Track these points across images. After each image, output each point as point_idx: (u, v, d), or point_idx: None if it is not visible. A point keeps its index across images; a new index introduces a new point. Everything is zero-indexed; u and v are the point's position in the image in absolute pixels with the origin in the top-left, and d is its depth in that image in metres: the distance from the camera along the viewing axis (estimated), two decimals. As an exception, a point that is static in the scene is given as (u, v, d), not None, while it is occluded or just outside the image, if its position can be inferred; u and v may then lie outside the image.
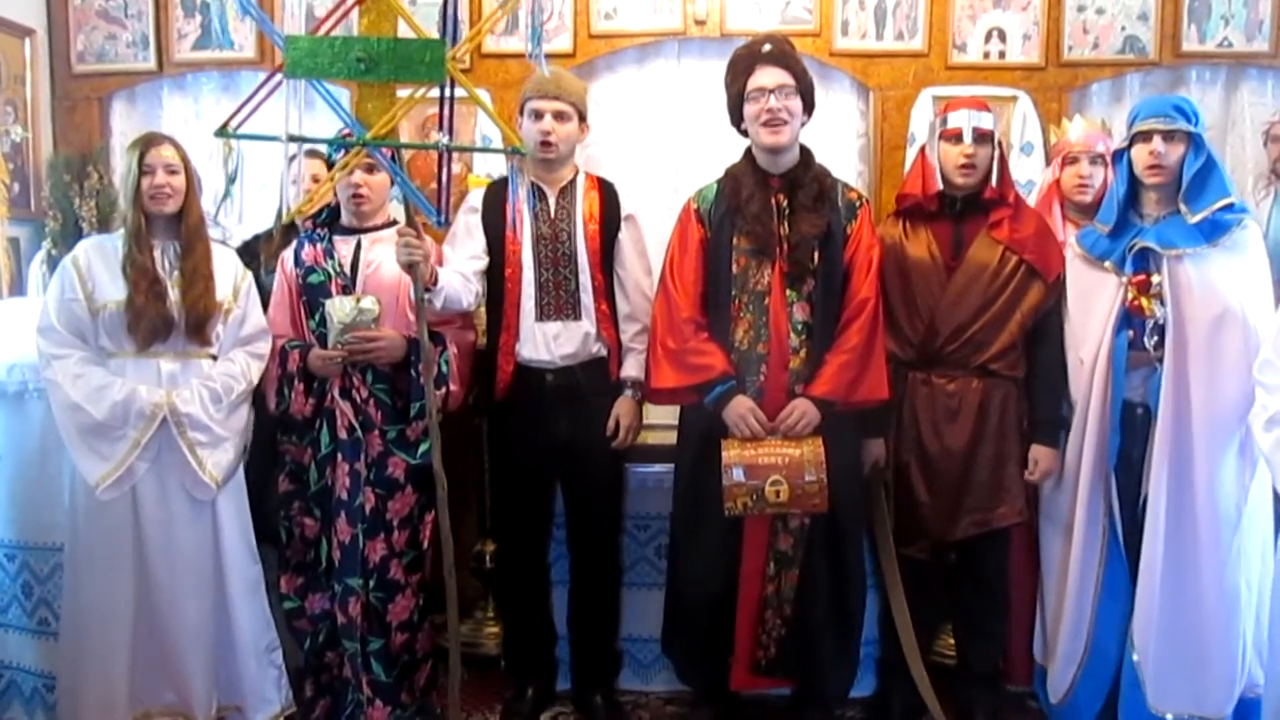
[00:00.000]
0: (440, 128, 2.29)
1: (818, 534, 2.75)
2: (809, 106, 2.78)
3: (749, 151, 2.83)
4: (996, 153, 2.80)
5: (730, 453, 2.66)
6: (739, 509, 2.66)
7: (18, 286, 3.61)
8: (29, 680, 2.96)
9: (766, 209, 2.74)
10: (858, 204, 2.82)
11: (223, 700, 2.77)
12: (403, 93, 2.33)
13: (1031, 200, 3.22)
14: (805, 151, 2.83)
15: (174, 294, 2.66)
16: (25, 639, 2.95)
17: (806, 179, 2.77)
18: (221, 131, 2.20)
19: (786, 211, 2.76)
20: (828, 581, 2.77)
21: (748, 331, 2.75)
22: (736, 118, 2.81)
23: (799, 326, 2.74)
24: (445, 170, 2.36)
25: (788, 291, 2.73)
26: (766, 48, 2.75)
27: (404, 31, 2.28)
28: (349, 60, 2.15)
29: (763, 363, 2.73)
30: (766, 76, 2.71)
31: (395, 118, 2.25)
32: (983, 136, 2.78)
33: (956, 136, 2.79)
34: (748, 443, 2.68)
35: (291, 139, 2.23)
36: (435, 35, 2.31)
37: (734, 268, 2.76)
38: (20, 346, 2.81)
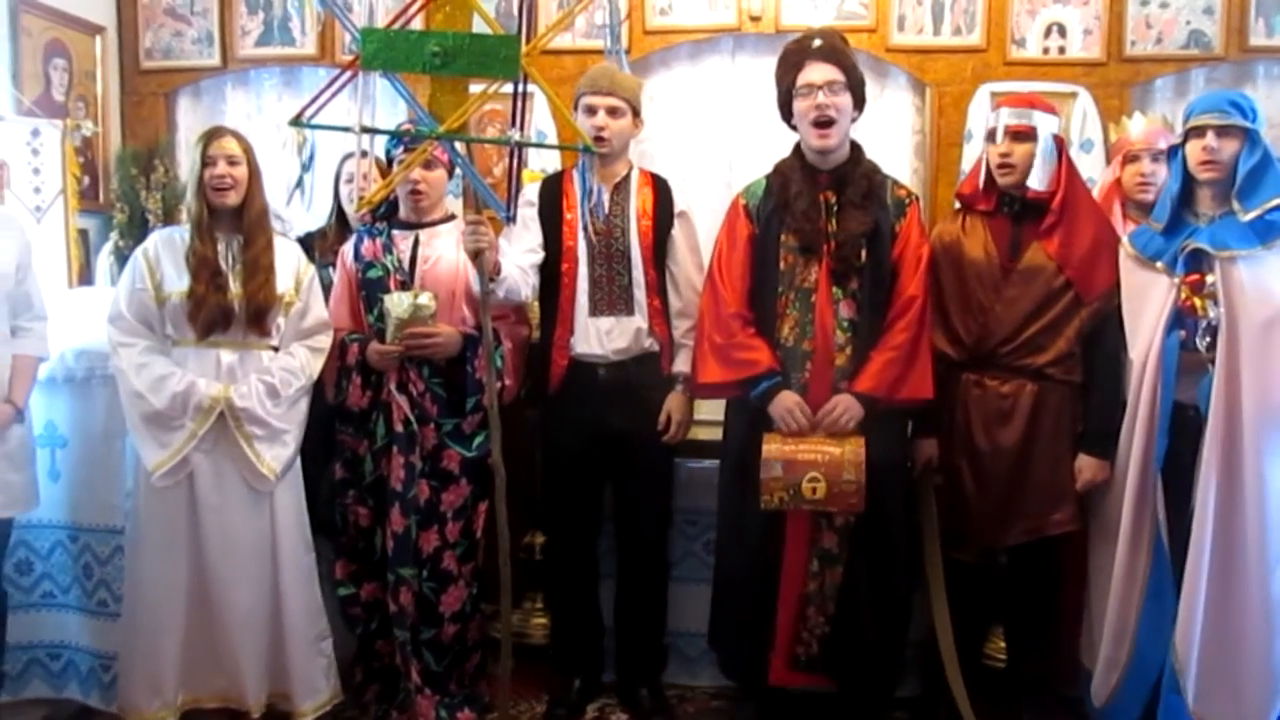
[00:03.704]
0: (513, 124, 2.30)
1: (863, 533, 2.73)
2: (859, 102, 2.76)
3: (798, 147, 2.82)
4: (1049, 151, 2.73)
5: (771, 447, 2.65)
6: (775, 503, 2.65)
7: (87, 276, 3.71)
8: (86, 660, 3.04)
9: (814, 206, 2.73)
10: (907, 201, 2.80)
11: (272, 688, 2.82)
12: (474, 88, 2.34)
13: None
14: (855, 148, 2.81)
15: (235, 286, 2.72)
16: (84, 619, 3.03)
17: (855, 176, 2.75)
18: (295, 121, 2.23)
19: (834, 208, 2.74)
20: (873, 581, 2.76)
21: (794, 328, 2.74)
22: (786, 113, 2.80)
23: (845, 324, 2.72)
24: (516, 165, 2.38)
25: (834, 289, 2.72)
26: (817, 43, 2.73)
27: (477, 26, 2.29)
28: (424, 54, 2.14)
29: (808, 360, 2.72)
30: (816, 72, 2.70)
31: (467, 112, 2.26)
32: (1020, 134, 2.72)
33: (992, 135, 2.76)
34: (789, 438, 2.67)
35: (364, 130, 2.26)
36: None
37: (781, 264, 2.75)
38: (88, 334, 2.89)
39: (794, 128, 2.81)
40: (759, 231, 2.79)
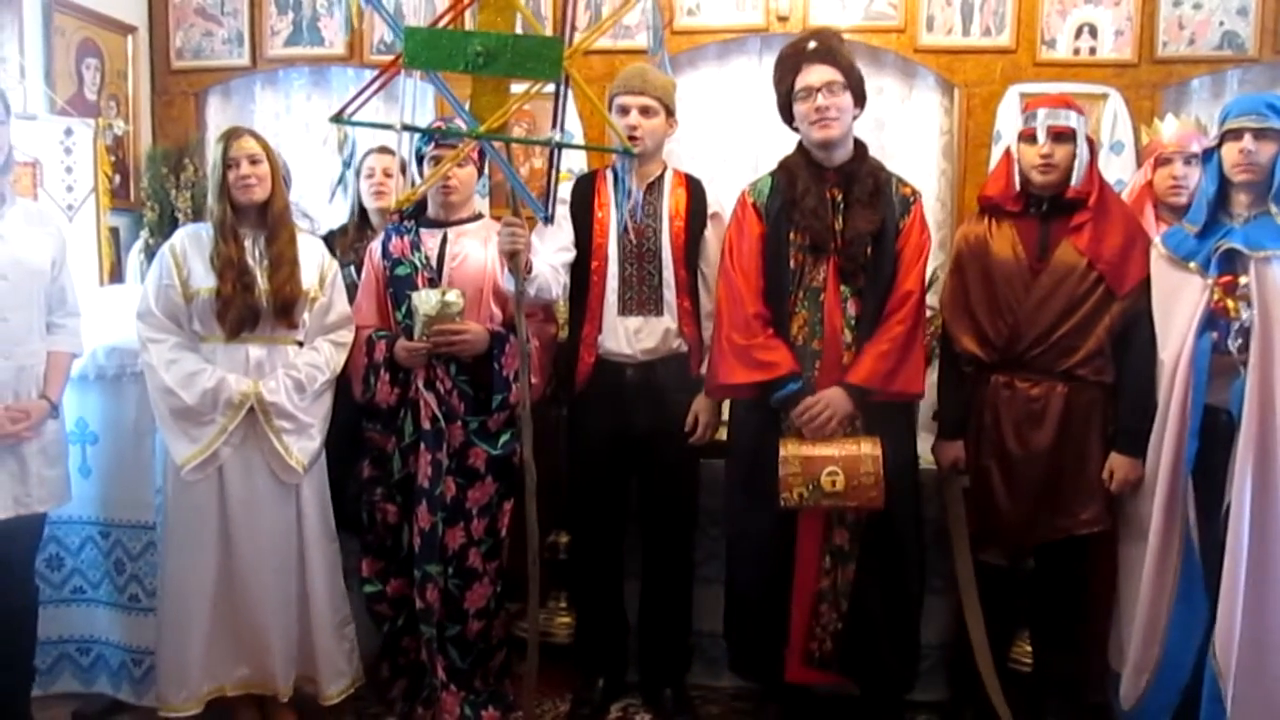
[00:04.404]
0: (553, 125, 2.30)
1: (874, 531, 2.73)
2: (860, 99, 2.76)
3: (802, 145, 2.81)
4: (1084, 151, 2.73)
5: (788, 448, 2.66)
6: (794, 499, 2.65)
7: (117, 274, 3.74)
8: (116, 654, 3.07)
9: (823, 203, 2.73)
10: (911, 199, 2.80)
11: (299, 671, 2.87)
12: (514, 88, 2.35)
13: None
14: (859, 145, 2.81)
15: (262, 283, 2.75)
16: (115, 614, 3.07)
17: (861, 173, 2.75)
18: (336, 118, 2.24)
19: (841, 206, 2.74)
20: (884, 579, 2.76)
21: (803, 327, 2.74)
22: (787, 116, 2.81)
23: (851, 322, 2.73)
24: (554, 166, 2.38)
25: (842, 287, 2.72)
26: (812, 45, 2.73)
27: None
28: (467, 54, 2.14)
29: (817, 359, 2.72)
30: (814, 75, 2.70)
31: (508, 113, 2.27)
32: (1061, 135, 2.71)
33: (1032, 136, 2.74)
34: (806, 441, 2.68)
35: (405, 128, 2.27)
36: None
37: (791, 263, 2.75)
38: (119, 331, 2.92)
39: (796, 129, 2.81)
40: (769, 230, 2.78)
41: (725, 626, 3.00)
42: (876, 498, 2.63)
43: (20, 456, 2.64)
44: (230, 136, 2.79)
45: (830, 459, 2.63)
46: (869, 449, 2.64)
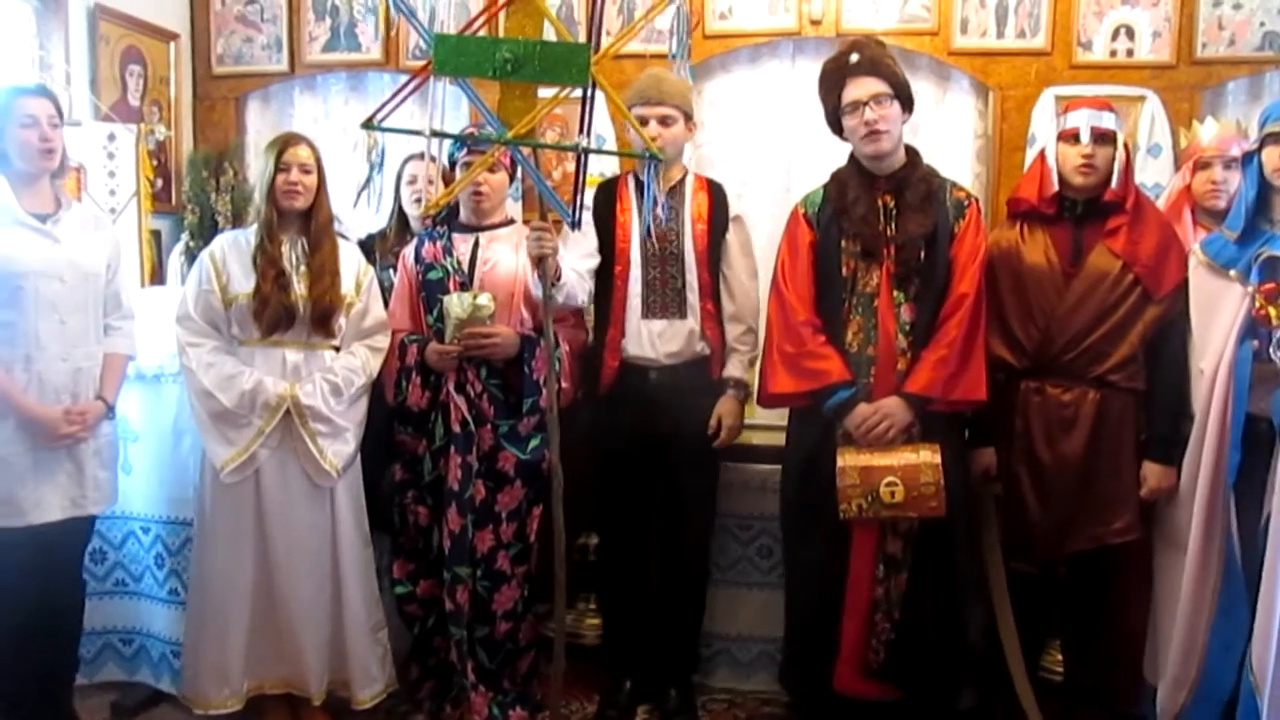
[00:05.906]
0: (580, 131, 2.31)
1: (928, 539, 2.71)
2: (908, 104, 2.75)
3: (853, 155, 2.82)
4: (1120, 154, 2.71)
5: (845, 459, 2.66)
6: (854, 511, 2.64)
7: (159, 276, 3.80)
8: (158, 645, 3.15)
9: (873, 210, 2.72)
10: (966, 202, 2.78)
11: (332, 675, 2.91)
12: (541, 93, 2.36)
13: (1160, 205, 3.10)
14: (911, 151, 2.80)
15: (299, 287, 2.79)
16: (156, 607, 3.14)
17: (914, 179, 2.74)
18: (367, 124, 2.27)
19: (893, 212, 2.73)
20: (936, 587, 2.74)
21: (857, 334, 2.73)
22: (836, 129, 2.81)
23: (906, 328, 2.71)
24: (581, 172, 2.39)
25: (895, 293, 2.71)
26: (854, 58, 2.72)
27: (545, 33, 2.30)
28: (496, 60, 2.17)
29: (872, 365, 2.71)
30: (859, 89, 2.69)
31: (536, 118, 2.29)
32: (1103, 136, 2.69)
33: (1074, 136, 2.71)
34: (863, 450, 2.67)
35: (434, 134, 2.30)
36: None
37: (843, 270, 2.75)
38: (160, 333, 2.97)
39: (847, 140, 2.81)
40: (819, 238, 2.78)
41: (787, 641, 2.99)
42: (938, 507, 2.61)
43: (78, 459, 2.70)
44: (287, 142, 2.83)
45: (889, 469, 2.62)
46: (928, 457, 2.62)
